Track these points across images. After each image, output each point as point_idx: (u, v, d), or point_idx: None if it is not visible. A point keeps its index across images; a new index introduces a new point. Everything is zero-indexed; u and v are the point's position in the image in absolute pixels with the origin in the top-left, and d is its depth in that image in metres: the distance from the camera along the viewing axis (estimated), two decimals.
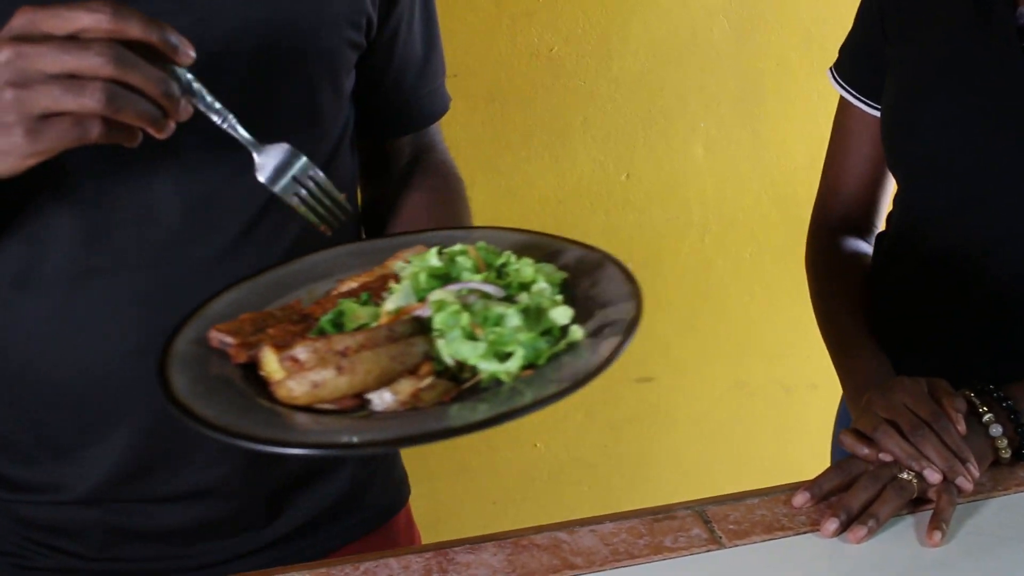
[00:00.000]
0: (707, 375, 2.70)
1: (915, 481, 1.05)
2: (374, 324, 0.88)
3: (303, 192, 0.96)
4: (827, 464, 1.63)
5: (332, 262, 1.03)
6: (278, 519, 1.20)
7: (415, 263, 0.92)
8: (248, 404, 0.85)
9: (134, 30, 0.81)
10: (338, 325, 0.91)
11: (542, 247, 1.00)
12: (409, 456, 2.37)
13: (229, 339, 0.90)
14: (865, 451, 1.08)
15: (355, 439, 0.80)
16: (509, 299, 0.89)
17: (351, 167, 1.23)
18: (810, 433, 2.79)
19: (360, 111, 1.25)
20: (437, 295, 0.88)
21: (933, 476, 1.04)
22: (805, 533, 1.03)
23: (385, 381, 0.84)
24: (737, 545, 1.02)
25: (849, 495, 1.04)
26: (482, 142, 2.28)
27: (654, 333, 2.59)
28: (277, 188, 0.95)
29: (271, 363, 0.86)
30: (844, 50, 1.48)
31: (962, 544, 1.02)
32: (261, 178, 0.94)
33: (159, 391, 0.85)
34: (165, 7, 0.95)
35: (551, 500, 2.59)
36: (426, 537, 1.11)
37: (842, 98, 1.46)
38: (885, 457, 1.07)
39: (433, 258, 0.92)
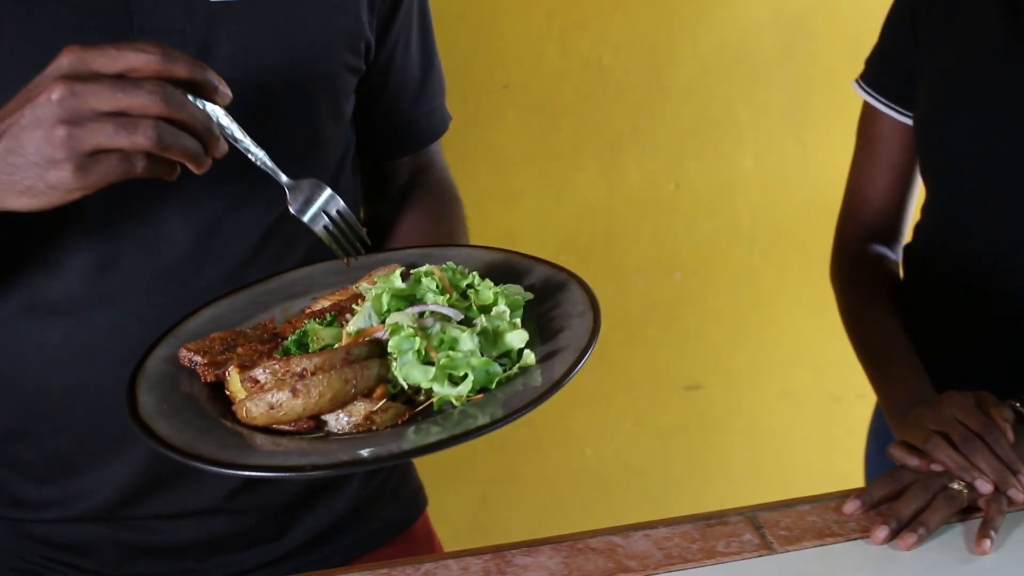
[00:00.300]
0: (756, 384, 2.70)
1: (965, 491, 1.06)
2: (337, 345, 0.89)
3: (329, 223, 1.00)
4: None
5: (309, 279, 1.05)
6: (289, 532, 1.22)
7: (380, 284, 0.93)
8: (209, 425, 0.86)
9: (181, 70, 0.85)
10: (303, 346, 0.92)
11: (512, 266, 1.02)
12: (459, 462, 2.40)
13: (198, 358, 0.92)
14: (916, 462, 1.09)
15: (303, 462, 0.80)
16: (468, 321, 0.90)
17: (353, 188, 1.25)
18: (859, 443, 2.77)
19: (358, 132, 1.26)
20: (393, 318, 0.89)
21: (984, 487, 1.06)
22: (855, 539, 1.05)
23: (340, 404, 0.85)
24: (788, 551, 1.03)
25: (900, 503, 1.05)
26: (533, 152, 2.30)
27: (703, 342, 2.62)
28: (306, 218, 0.99)
29: (235, 383, 0.88)
30: (871, 60, 1.49)
31: (1011, 552, 1.03)
32: (292, 209, 0.98)
33: (125, 409, 0.87)
34: (169, 40, 0.98)
35: (600, 507, 2.60)
36: (476, 541, 1.13)
37: (868, 106, 1.47)
38: (936, 468, 1.08)
39: (397, 280, 0.93)
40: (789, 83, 2.47)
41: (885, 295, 1.43)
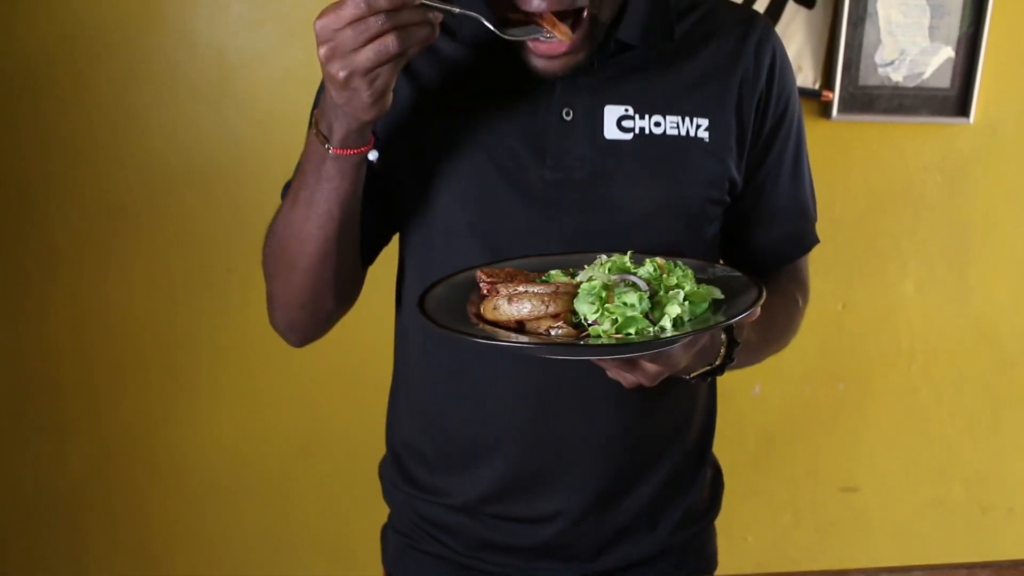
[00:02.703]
0: (908, 490, 2.81)
1: None
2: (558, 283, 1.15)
3: None
4: None
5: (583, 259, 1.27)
6: (603, 556, 1.41)
7: (614, 258, 1.15)
8: (456, 310, 1.15)
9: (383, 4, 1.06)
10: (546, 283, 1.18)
11: (732, 278, 1.21)
12: None
13: (485, 278, 1.18)
14: None
15: (480, 339, 1.06)
16: (652, 294, 1.12)
17: None
18: (1006, 554, 2.86)
19: (726, 248, 1.42)
20: (594, 272, 1.13)
21: None
22: None
23: (535, 317, 1.10)
24: None
25: None
26: None
27: (861, 448, 2.78)
28: None
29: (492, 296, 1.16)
30: None
31: None
32: None
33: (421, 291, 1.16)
34: (571, 164, 1.26)
35: None
36: None
37: None
38: None
39: (625, 258, 1.15)
40: (951, 221, 2.62)
41: None
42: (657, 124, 1.29)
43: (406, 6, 1.08)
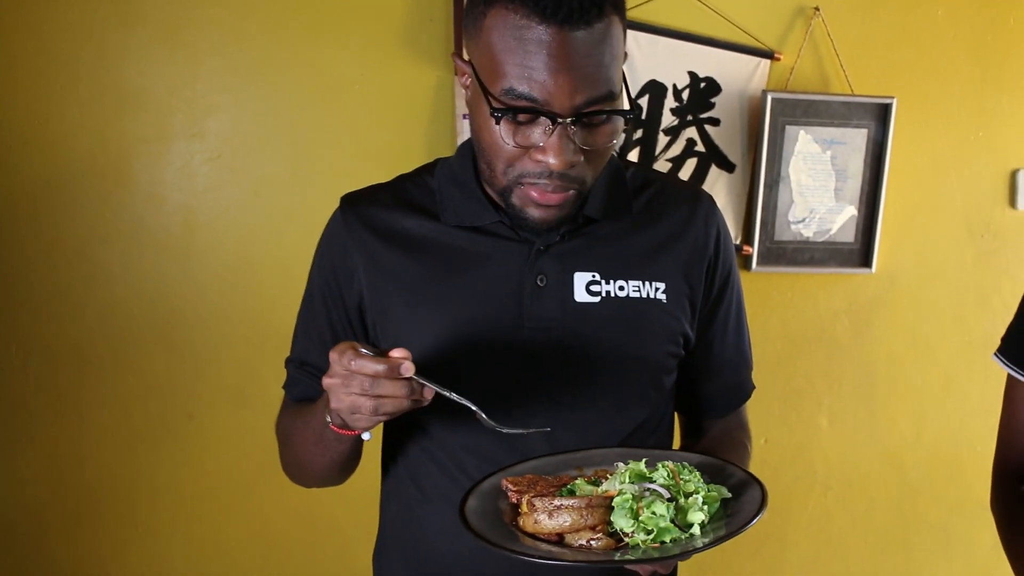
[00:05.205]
0: None
1: None
2: (590, 496, 1.23)
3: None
4: None
5: (605, 456, 1.35)
6: None
7: (631, 466, 1.24)
8: (500, 524, 1.22)
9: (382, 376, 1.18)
10: (572, 492, 1.24)
11: (723, 468, 1.32)
12: None
13: (511, 486, 1.27)
14: None
15: (523, 551, 1.14)
16: (673, 499, 1.19)
17: (667, 433, 1.52)
18: None
19: (680, 396, 1.53)
20: (623, 487, 1.20)
21: None
22: None
23: (574, 530, 1.18)
24: None
25: None
26: None
27: (783, 571, 2.89)
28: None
29: (525, 505, 1.24)
30: (1009, 338, 1.54)
31: None
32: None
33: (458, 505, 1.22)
34: (545, 324, 1.36)
35: None
36: None
37: (1010, 376, 1.53)
38: None
39: (641, 465, 1.24)
40: (858, 361, 2.77)
41: None
42: (621, 288, 1.40)
43: (388, 378, 1.18)
